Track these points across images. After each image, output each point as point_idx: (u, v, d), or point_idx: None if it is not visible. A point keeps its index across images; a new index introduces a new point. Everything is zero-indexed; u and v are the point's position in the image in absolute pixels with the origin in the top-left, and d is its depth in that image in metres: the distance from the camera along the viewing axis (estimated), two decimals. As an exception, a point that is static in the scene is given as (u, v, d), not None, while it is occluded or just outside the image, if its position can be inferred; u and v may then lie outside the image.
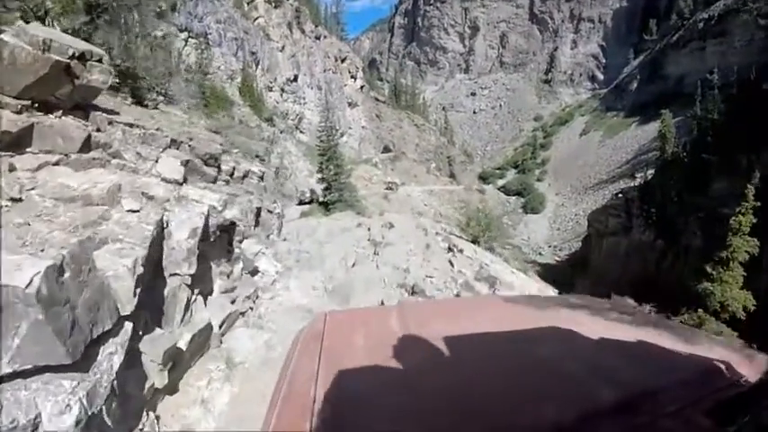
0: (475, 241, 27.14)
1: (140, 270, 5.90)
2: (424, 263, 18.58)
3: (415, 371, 1.95)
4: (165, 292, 7.36)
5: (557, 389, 1.75)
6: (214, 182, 12.35)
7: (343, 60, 75.22)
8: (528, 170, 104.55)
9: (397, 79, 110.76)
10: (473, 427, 1.53)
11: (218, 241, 9.83)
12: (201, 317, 8.11)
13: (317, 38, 70.84)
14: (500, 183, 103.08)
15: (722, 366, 1.82)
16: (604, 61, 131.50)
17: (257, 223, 14.06)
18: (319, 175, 33.89)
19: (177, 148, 11.18)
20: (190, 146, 11.85)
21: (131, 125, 10.00)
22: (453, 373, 1.94)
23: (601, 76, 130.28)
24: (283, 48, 61.19)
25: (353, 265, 16.54)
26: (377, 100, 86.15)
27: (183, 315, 7.70)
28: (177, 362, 6.85)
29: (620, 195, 61.74)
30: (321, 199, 32.64)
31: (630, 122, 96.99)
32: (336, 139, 36.19)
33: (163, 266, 7.42)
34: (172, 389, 6.70)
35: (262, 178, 16.57)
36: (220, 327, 8.81)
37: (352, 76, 76.05)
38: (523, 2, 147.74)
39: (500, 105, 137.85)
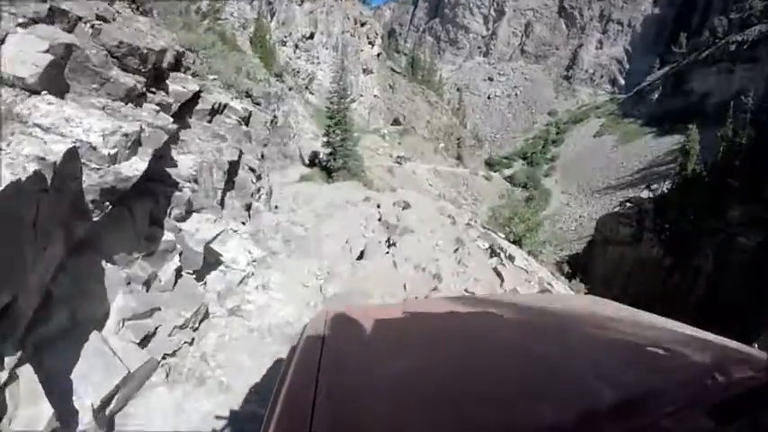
0: (516, 242, 21.18)
1: None
2: (461, 268, 13.79)
3: (418, 370, 1.91)
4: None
5: (556, 389, 1.72)
6: (128, 101, 6.79)
7: (362, 24, 72.33)
8: (536, 164, 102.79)
9: (416, 53, 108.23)
10: (473, 428, 1.49)
11: (114, 218, 5.89)
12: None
13: (339, -3, 67.82)
14: (507, 172, 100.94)
15: (722, 366, 1.82)
16: (628, 66, 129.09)
17: (229, 186, 10.08)
18: (325, 139, 32.35)
19: (69, 29, 6.33)
20: (94, 28, 6.69)
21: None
22: (453, 371, 1.90)
23: (622, 81, 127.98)
24: (302, 2, 58.42)
25: (361, 255, 12.75)
26: (392, 70, 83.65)
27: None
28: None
29: (629, 204, 60.18)
30: (324, 164, 30.82)
31: (647, 132, 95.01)
32: (347, 104, 34.35)
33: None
34: None
35: (246, 122, 11.83)
36: (105, 404, 4.92)
37: (369, 42, 73.29)
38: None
39: (516, 94, 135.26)
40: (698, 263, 35.65)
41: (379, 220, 16.22)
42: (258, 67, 42.25)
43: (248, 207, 10.94)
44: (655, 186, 64.02)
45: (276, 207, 14.12)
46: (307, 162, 34.18)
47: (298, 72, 55.33)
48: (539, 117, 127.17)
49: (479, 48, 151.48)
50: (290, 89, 47.08)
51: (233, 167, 10.04)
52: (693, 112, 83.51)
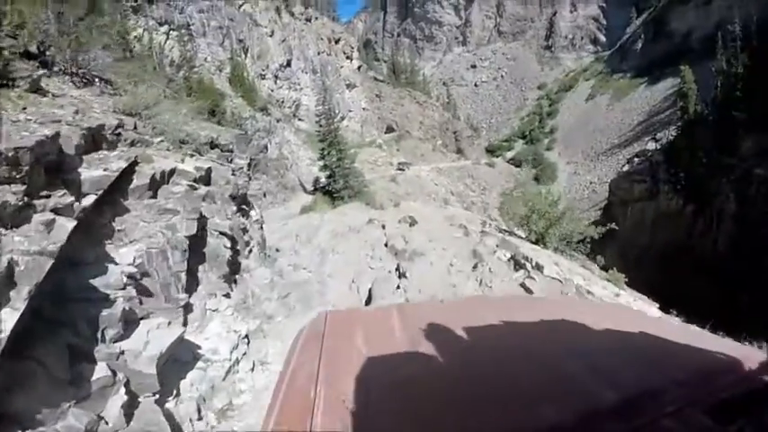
0: (538, 241, 17.93)
1: None
2: (483, 289, 11.81)
3: (415, 372, 1.91)
4: None
5: (556, 389, 1.72)
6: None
7: (337, 41, 72.47)
8: (536, 140, 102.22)
9: (395, 57, 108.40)
10: (473, 428, 1.51)
11: (17, 376, 4.67)
12: None
13: (308, 20, 68.23)
14: (509, 155, 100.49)
15: (723, 365, 1.82)
16: (605, 22, 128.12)
17: (197, 262, 8.24)
18: (321, 163, 32.16)
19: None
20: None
21: None
22: (453, 373, 1.90)
23: (603, 39, 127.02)
24: (273, 33, 58.72)
25: (369, 296, 11.50)
26: (375, 79, 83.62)
27: None
28: None
29: (636, 159, 59.20)
30: (326, 188, 30.66)
31: (638, 83, 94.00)
32: (336, 123, 34.28)
33: None
34: None
35: (206, 181, 9.59)
36: None
37: (347, 57, 73.36)
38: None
39: (501, 76, 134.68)
40: (720, 205, 34.68)
41: (386, 245, 15.07)
42: (242, 105, 42.45)
43: (230, 275, 9.21)
44: (660, 136, 62.84)
45: (278, 251, 13.17)
46: (309, 189, 34.04)
47: (282, 102, 55.46)
48: (529, 93, 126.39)
49: (456, 38, 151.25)
50: (278, 120, 47.10)
51: (196, 241, 8.17)
52: (679, 53, 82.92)
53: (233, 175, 10.68)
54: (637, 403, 1.54)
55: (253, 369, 7.34)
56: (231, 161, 11.61)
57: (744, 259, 29.85)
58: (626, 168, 56.46)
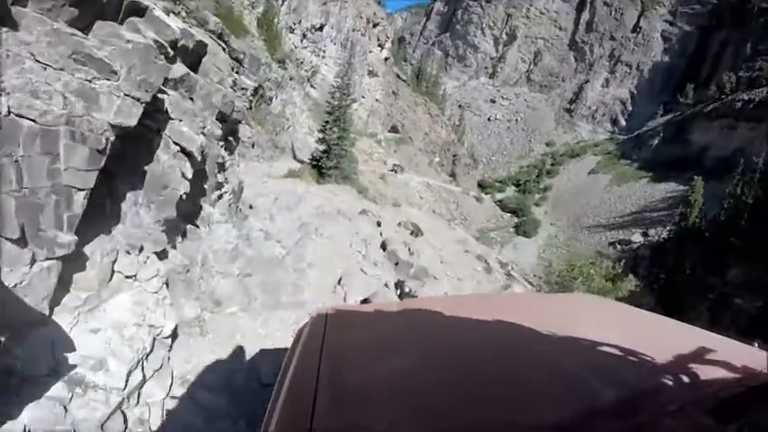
0: None
1: None
2: None
3: (417, 369, 1.90)
4: None
5: (557, 388, 1.71)
6: None
7: (375, 25, 70.48)
8: (528, 191, 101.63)
9: (423, 64, 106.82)
10: (473, 426, 1.48)
11: None
12: None
13: (354, -7, 65.88)
14: (498, 196, 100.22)
15: (723, 365, 1.81)
16: (631, 109, 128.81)
17: (116, 186, 5.65)
18: (321, 135, 30.24)
19: None
20: None
21: None
22: (453, 370, 1.89)
23: (623, 122, 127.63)
24: (317, -9, 56.34)
25: None
26: (398, 77, 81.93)
27: None
28: None
29: (618, 246, 59.03)
30: (316, 161, 28.66)
31: (642, 176, 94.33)
32: (348, 102, 32.42)
33: None
34: None
35: (189, 59, 7.08)
36: None
37: (380, 45, 71.51)
38: (567, 26, 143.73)
39: (516, 120, 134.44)
40: (691, 319, 34.06)
41: (384, 248, 12.77)
42: (261, 49, 40.25)
43: (177, 222, 6.38)
44: (651, 232, 62.78)
45: (251, 207, 10.76)
46: (299, 157, 32.03)
47: (302, 62, 53.15)
48: (536, 146, 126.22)
49: (486, 68, 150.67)
50: (290, 79, 44.97)
51: (133, 146, 5.38)
52: (690, 163, 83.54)
53: (231, 89, 7.90)
54: (637, 402, 1.50)
55: (168, 392, 4.42)
56: (238, 72, 8.70)
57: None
58: (608, 250, 56.30)
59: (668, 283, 38.17)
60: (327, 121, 29.85)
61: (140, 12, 5.75)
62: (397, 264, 11.76)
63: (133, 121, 4.83)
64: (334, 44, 59.54)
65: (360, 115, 60.77)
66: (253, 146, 26.45)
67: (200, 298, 6.00)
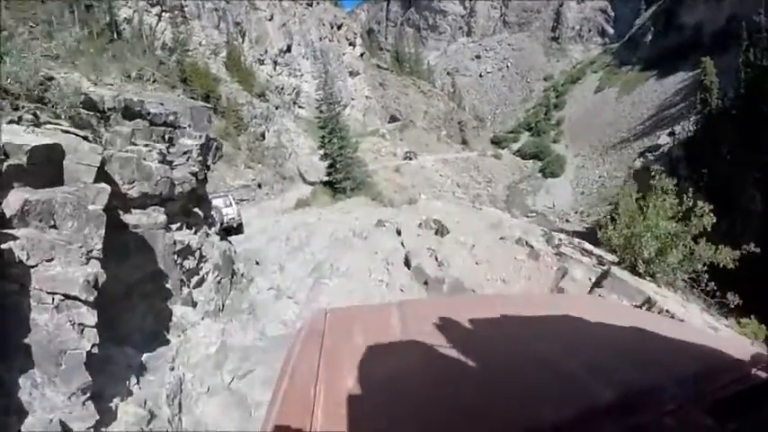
0: (634, 268, 10.66)
1: None
2: None
3: (415, 369, 1.89)
4: None
5: (555, 388, 1.69)
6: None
7: (339, 27, 70.31)
8: (543, 132, 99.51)
9: (399, 47, 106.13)
10: (472, 427, 1.47)
11: None
12: None
13: (309, 4, 65.82)
14: (514, 147, 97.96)
15: (723, 363, 1.82)
16: (613, 14, 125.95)
17: None
18: (322, 152, 30.21)
19: None
20: None
21: None
22: (453, 371, 1.86)
23: (611, 30, 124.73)
24: (272, 17, 56.49)
25: None
26: (379, 67, 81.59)
27: None
28: None
29: (649, 154, 57.14)
30: (325, 178, 28.65)
31: (648, 76, 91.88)
32: (338, 110, 32.30)
33: None
34: None
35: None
36: None
37: (350, 44, 71.26)
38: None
39: (507, 66, 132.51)
40: (746, 204, 32.58)
41: (407, 264, 11.14)
42: (238, 91, 40.46)
43: (130, 357, 5.44)
44: (678, 129, 60.58)
45: (257, 263, 10.23)
46: (308, 180, 32.08)
47: (282, 89, 53.40)
48: (535, 84, 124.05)
49: (461, 28, 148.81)
50: (276, 107, 45.13)
51: None
52: (690, 47, 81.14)
53: (162, 163, 6.78)
54: (636, 402, 1.49)
55: None
56: (170, 140, 7.82)
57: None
58: (638, 163, 54.49)
59: (711, 175, 36.14)
60: (324, 136, 29.85)
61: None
62: (426, 283, 10.39)
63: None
64: (307, 59, 59.56)
65: (356, 117, 60.74)
66: (259, 186, 26.52)
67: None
